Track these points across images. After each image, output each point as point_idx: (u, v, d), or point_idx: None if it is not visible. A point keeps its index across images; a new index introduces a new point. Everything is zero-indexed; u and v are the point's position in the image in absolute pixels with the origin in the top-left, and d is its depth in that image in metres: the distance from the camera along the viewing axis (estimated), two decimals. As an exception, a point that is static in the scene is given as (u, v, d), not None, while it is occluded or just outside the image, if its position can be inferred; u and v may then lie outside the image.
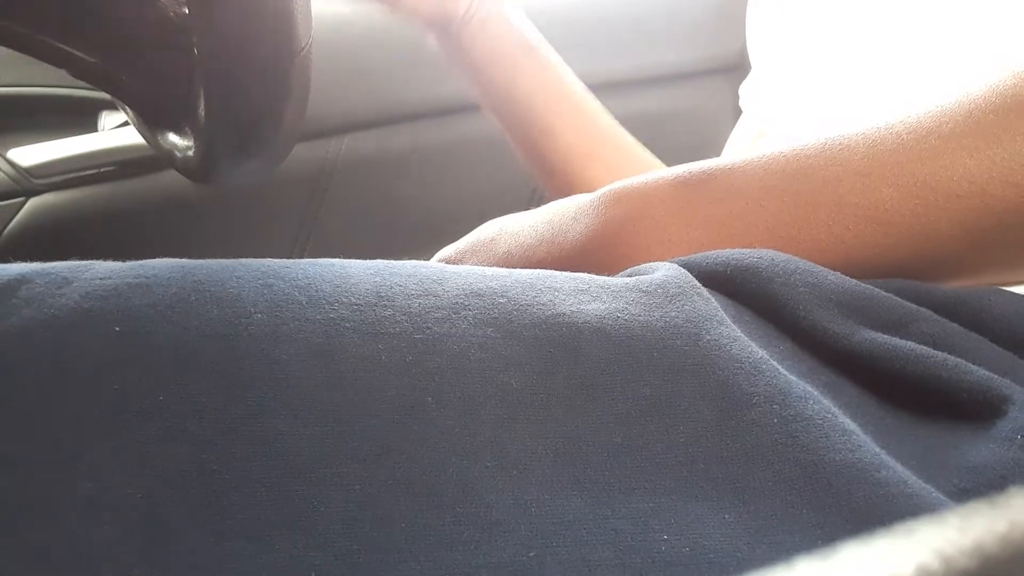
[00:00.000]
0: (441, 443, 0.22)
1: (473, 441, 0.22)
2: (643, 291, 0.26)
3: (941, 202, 0.29)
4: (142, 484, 0.20)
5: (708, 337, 0.25)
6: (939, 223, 0.30)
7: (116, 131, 0.77)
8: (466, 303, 0.25)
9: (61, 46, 0.39)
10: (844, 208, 0.30)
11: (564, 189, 0.61)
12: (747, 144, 0.58)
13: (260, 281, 0.24)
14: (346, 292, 0.25)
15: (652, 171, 0.34)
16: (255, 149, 0.36)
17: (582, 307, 0.25)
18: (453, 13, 0.56)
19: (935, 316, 0.28)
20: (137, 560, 0.20)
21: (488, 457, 0.22)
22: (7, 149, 0.74)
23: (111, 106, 0.77)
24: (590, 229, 0.34)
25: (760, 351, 0.25)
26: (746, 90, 0.61)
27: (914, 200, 0.30)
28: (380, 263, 0.27)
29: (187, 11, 0.38)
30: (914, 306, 0.28)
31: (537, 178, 0.63)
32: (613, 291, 0.26)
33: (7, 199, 0.74)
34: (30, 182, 0.74)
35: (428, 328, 0.24)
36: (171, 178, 0.77)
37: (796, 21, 0.54)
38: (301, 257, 0.84)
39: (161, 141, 0.44)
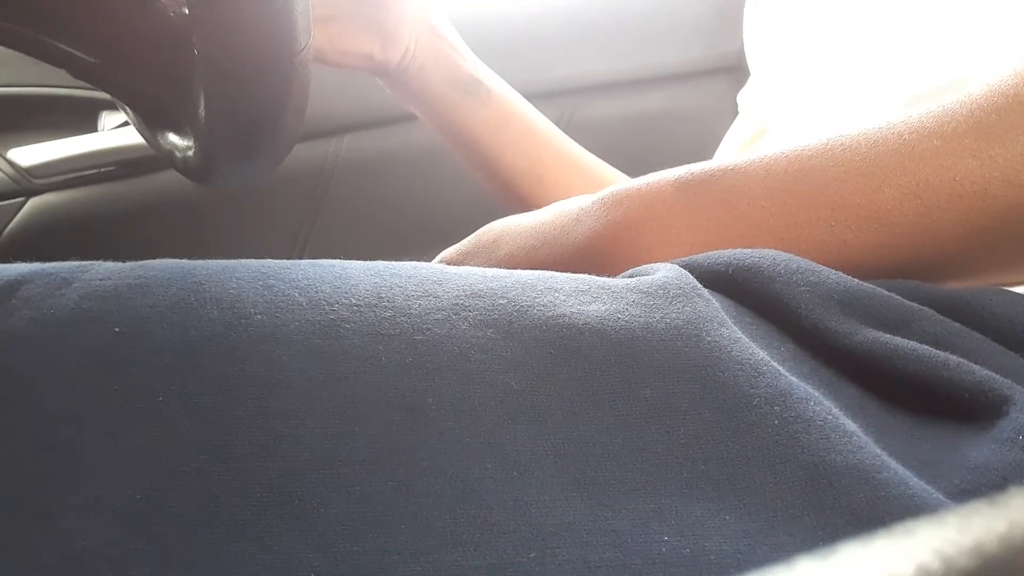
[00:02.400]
0: (441, 444, 0.22)
1: (473, 442, 0.22)
2: (644, 292, 0.26)
3: (943, 202, 0.29)
4: (142, 485, 0.20)
5: (709, 338, 0.25)
6: (941, 223, 0.30)
7: (116, 131, 0.77)
8: (466, 304, 0.25)
9: (61, 46, 0.39)
10: (846, 209, 0.30)
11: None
12: (741, 146, 0.58)
13: (260, 282, 0.24)
14: (346, 293, 0.25)
15: (652, 173, 0.34)
16: (255, 149, 0.36)
17: (583, 308, 0.25)
18: (387, 63, 0.58)
19: (937, 315, 0.28)
20: (137, 560, 0.20)
21: (488, 458, 0.22)
22: (7, 149, 0.74)
23: (111, 106, 0.77)
24: (592, 231, 0.33)
25: (761, 352, 0.25)
26: (744, 96, 0.61)
27: (916, 200, 0.30)
28: (380, 264, 0.27)
29: (187, 11, 0.38)
30: (916, 305, 0.28)
31: (502, 203, 0.65)
32: (614, 292, 0.26)
33: (7, 199, 0.74)
34: (30, 182, 0.74)
35: (428, 329, 0.24)
36: (171, 178, 0.77)
37: (795, 20, 0.54)
38: (301, 257, 0.84)
39: (161, 141, 0.44)
